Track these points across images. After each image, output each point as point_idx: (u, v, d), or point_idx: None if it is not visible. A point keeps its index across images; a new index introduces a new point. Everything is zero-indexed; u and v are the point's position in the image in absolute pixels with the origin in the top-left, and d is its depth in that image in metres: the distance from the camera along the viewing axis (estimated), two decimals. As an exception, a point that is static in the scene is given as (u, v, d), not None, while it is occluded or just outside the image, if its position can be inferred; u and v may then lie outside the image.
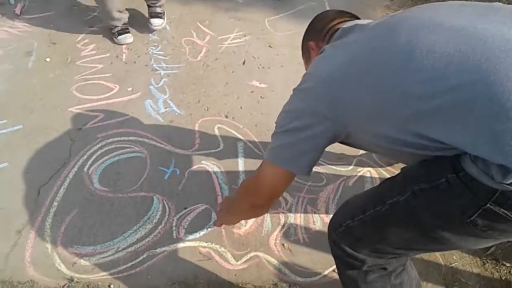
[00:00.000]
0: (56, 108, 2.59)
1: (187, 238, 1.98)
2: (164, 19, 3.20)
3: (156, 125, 2.53)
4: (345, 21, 1.39)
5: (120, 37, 3.06)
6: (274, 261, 1.92)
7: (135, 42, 3.09)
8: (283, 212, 2.09)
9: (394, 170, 2.28)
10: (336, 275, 1.82)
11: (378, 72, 1.07)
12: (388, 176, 2.24)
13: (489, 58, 0.92)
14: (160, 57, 3.00)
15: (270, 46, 3.16)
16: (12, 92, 2.70)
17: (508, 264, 1.91)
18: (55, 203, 2.10)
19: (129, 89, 2.74)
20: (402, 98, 1.02)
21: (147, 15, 3.21)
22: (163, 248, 1.94)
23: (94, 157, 2.32)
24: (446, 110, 0.96)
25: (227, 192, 2.16)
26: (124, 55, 3.02)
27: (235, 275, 1.87)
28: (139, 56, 3.01)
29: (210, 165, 2.30)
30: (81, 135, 2.44)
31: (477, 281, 1.86)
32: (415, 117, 1.02)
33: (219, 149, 2.39)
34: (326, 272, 1.87)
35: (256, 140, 2.43)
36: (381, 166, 2.31)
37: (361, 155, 2.35)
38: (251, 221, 2.05)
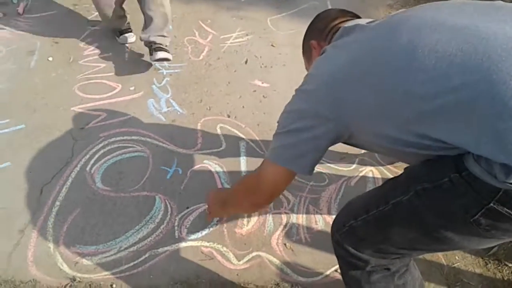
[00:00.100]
0: (59, 108, 2.59)
1: (189, 238, 1.98)
2: (169, 51, 2.79)
3: (159, 124, 2.53)
4: (346, 20, 1.39)
5: (122, 36, 3.05)
6: (276, 261, 1.91)
7: (138, 41, 3.08)
8: (285, 212, 2.09)
9: (396, 169, 2.28)
10: (338, 275, 1.82)
11: (380, 72, 1.06)
12: (390, 175, 2.24)
13: (491, 56, 0.91)
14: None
15: (272, 45, 3.16)
16: (14, 91, 2.70)
17: (510, 265, 1.90)
18: (58, 203, 2.10)
19: (132, 88, 2.75)
20: (404, 98, 1.02)
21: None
22: (165, 248, 1.94)
23: (96, 156, 2.32)
24: (448, 110, 0.96)
25: (229, 192, 2.16)
26: (126, 54, 3.03)
27: (237, 274, 1.87)
28: (141, 56, 3.01)
29: (212, 164, 2.30)
30: (84, 134, 2.44)
31: (479, 281, 1.86)
32: (418, 117, 1.01)
33: (221, 148, 2.39)
34: (328, 272, 1.87)
35: (258, 139, 2.43)
36: (383, 166, 2.31)
37: (363, 154, 2.35)
38: (253, 221, 2.05)
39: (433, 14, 1.07)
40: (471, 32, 0.97)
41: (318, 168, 2.28)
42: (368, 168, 2.30)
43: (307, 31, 1.56)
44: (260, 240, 1.99)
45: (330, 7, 3.53)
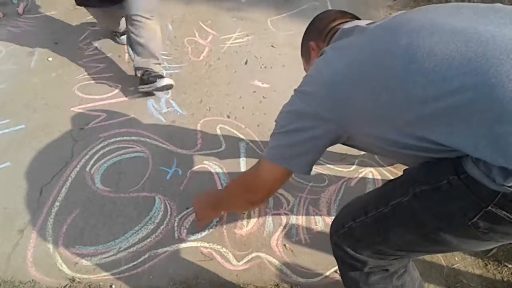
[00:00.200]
0: (59, 108, 2.59)
1: (189, 239, 1.98)
2: (169, 79, 2.68)
3: (158, 125, 2.53)
4: (346, 21, 1.39)
5: (122, 37, 3.05)
6: (275, 261, 1.91)
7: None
8: (285, 213, 2.09)
9: (396, 170, 2.28)
10: (337, 276, 1.81)
11: (379, 75, 1.06)
12: (390, 176, 2.24)
13: (489, 60, 0.91)
14: (162, 56, 2.99)
15: (272, 46, 3.16)
16: (14, 92, 2.70)
17: (510, 266, 1.90)
18: (57, 203, 2.10)
19: (131, 88, 2.75)
20: (403, 101, 1.02)
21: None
22: (165, 249, 1.94)
23: (96, 157, 2.32)
24: (447, 113, 0.96)
25: (229, 192, 2.16)
26: (126, 54, 3.03)
27: (237, 275, 1.87)
28: (141, 56, 3.01)
29: (212, 165, 2.30)
30: (83, 134, 2.44)
31: (479, 282, 1.86)
32: (416, 120, 1.01)
33: (221, 149, 2.39)
34: (327, 273, 1.87)
35: (258, 140, 2.43)
36: (383, 167, 2.31)
37: (363, 155, 2.35)
38: (252, 222, 2.05)
39: (431, 16, 1.07)
40: (470, 35, 0.97)
41: (318, 169, 2.28)
42: (368, 169, 2.30)
43: (306, 32, 1.56)
44: (260, 241, 1.98)
45: (330, 7, 3.53)
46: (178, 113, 2.61)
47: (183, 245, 1.96)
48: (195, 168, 2.28)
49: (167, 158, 2.33)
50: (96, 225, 2.02)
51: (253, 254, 1.93)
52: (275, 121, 1.29)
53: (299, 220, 2.06)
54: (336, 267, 1.83)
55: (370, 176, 2.27)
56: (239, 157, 2.35)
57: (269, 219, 2.06)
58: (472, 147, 0.94)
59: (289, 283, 1.84)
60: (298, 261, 1.91)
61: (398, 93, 1.02)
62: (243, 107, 2.65)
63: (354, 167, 2.31)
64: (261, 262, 1.91)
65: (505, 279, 1.86)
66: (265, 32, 3.30)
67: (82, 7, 2.81)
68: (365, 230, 1.26)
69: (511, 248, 1.96)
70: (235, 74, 2.91)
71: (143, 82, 2.64)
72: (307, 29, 1.56)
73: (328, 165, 2.31)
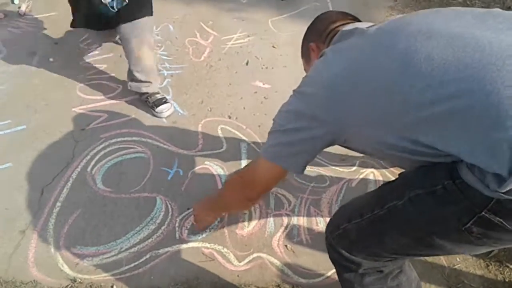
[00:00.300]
0: (60, 108, 2.59)
1: (190, 239, 1.98)
2: (169, 102, 2.64)
3: (159, 125, 2.53)
4: (346, 23, 1.39)
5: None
6: (277, 262, 1.91)
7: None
8: (286, 213, 2.09)
9: (397, 171, 2.27)
10: (339, 277, 1.81)
11: (376, 79, 1.07)
12: (391, 177, 2.24)
13: (486, 66, 0.92)
14: (163, 57, 3.00)
15: (273, 47, 3.16)
16: (15, 92, 2.70)
17: (511, 266, 1.90)
18: (59, 203, 2.10)
19: (130, 87, 2.74)
20: (400, 104, 1.03)
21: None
22: (166, 249, 1.94)
23: (97, 157, 2.32)
24: (443, 118, 0.97)
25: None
26: (127, 55, 3.03)
27: (238, 276, 1.87)
28: (142, 57, 3.01)
29: (213, 165, 2.30)
30: (85, 135, 2.44)
31: (481, 283, 1.86)
32: (413, 124, 1.02)
33: (222, 149, 2.39)
34: (329, 274, 1.87)
35: (259, 140, 2.43)
36: (384, 168, 2.31)
37: (364, 156, 2.35)
38: (254, 222, 2.05)
39: (430, 20, 1.08)
40: (467, 40, 0.97)
41: (319, 170, 2.28)
42: (369, 170, 2.30)
43: (306, 32, 1.56)
44: (261, 242, 1.98)
45: (331, 8, 3.53)
46: (179, 114, 2.61)
47: (184, 245, 1.96)
48: (196, 168, 2.28)
49: (168, 159, 2.33)
50: (97, 226, 2.02)
51: (255, 255, 1.93)
52: (273, 119, 1.30)
53: (301, 220, 2.06)
54: (338, 267, 1.83)
55: (371, 176, 2.27)
56: (240, 157, 2.35)
57: (271, 219, 2.06)
58: (467, 152, 0.94)
59: (291, 283, 1.84)
60: (299, 262, 1.91)
61: (395, 96, 1.03)
62: (244, 108, 2.65)
63: (355, 168, 2.31)
64: (263, 263, 1.91)
65: (506, 280, 1.86)
66: (266, 33, 3.30)
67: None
68: (360, 232, 1.27)
69: (513, 249, 1.96)
70: (236, 75, 2.91)
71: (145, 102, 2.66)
72: (307, 30, 1.56)
73: (329, 166, 2.31)
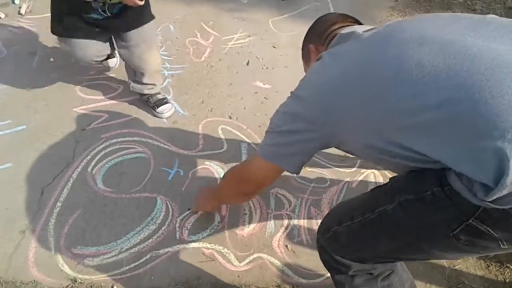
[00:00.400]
0: (60, 108, 2.59)
1: (190, 239, 1.98)
2: (170, 102, 2.65)
3: (160, 125, 2.53)
4: (346, 25, 1.40)
5: (105, 61, 2.78)
6: (277, 262, 1.91)
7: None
8: (286, 214, 2.09)
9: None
10: (339, 277, 1.81)
11: (368, 84, 1.08)
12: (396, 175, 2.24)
13: (474, 74, 0.92)
14: (164, 57, 2.99)
15: (274, 47, 3.16)
16: (15, 92, 2.70)
17: (512, 267, 1.90)
18: (59, 204, 2.10)
19: (132, 88, 2.74)
20: (390, 110, 1.04)
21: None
22: (166, 249, 1.94)
23: (98, 157, 2.32)
24: (431, 125, 0.97)
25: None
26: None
27: (238, 276, 1.86)
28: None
29: (213, 166, 2.30)
30: (85, 135, 2.44)
31: (481, 283, 1.86)
32: (402, 130, 1.03)
33: (222, 150, 2.39)
34: (329, 274, 1.86)
35: (260, 141, 2.43)
36: (385, 168, 2.31)
37: (364, 156, 2.35)
38: (254, 223, 2.04)
39: (423, 27, 1.09)
40: (458, 48, 0.97)
41: (319, 170, 2.28)
42: (370, 170, 2.30)
43: (306, 34, 1.57)
44: (261, 242, 1.98)
45: (331, 8, 3.53)
46: (180, 114, 2.61)
47: (184, 245, 1.95)
48: (197, 169, 2.28)
49: (169, 159, 2.33)
50: (97, 226, 2.02)
51: (255, 255, 1.93)
52: (271, 119, 1.32)
53: (301, 221, 2.06)
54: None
55: (371, 177, 2.27)
56: (241, 158, 2.34)
57: (271, 220, 2.06)
58: (453, 161, 0.95)
59: (291, 284, 1.84)
60: (299, 262, 1.91)
61: (385, 102, 1.04)
62: (244, 108, 2.65)
63: (355, 168, 2.31)
64: (263, 263, 1.91)
65: (507, 280, 1.86)
66: (266, 33, 3.30)
67: None
68: (351, 235, 1.28)
69: (513, 249, 1.95)
70: (236, 75, 2.91)
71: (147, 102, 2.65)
72: (307, 31, 1.57)
73: (330, 166, 2.31)
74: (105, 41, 2.40)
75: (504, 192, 0.87)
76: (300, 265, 1.90)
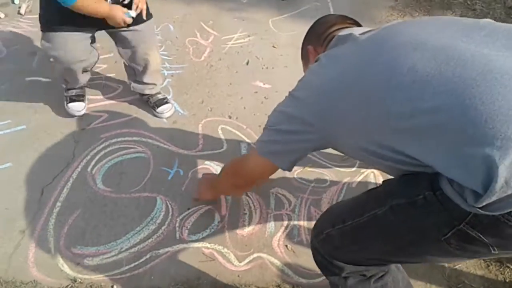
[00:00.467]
0: (60, 108, 2.59)
1: (190, 239, 1.98)
2: (170, 102, 2.64)
3: (160, 125, 2.53)
4: (344, 27, 1.41)
5: (71, 104, 2.53)
6: (277, 262, 1.91)
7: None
8: (286, 213, 2.09)
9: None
10: (339, 277, 1.81)
11: (362, 88, 1.09)
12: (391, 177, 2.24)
13: (466, 80, 0.92)
14: (163, 57, 2.99)
15: (274, 47, 3.16)
16: (15, 92, 2.70)
17: (512, 267, 1.90)
18: (59, 203, 2.10)
19: (133, 88, 2.74)
20: (383, 114, 1.05)
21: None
22: (166, 249, 1.94)
23: (97, 157, 2.32)
24: (422, 130, 0.98)
25: (231, 193, 2.16)
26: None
27: (238, 276, 1.86)
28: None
29: (213, 165, 2.30)
30: (85, 135, 2.44)
31: (481, 283, 1.85)
32: (394, 134, 1.04)
33: (222, 149, 2.39)
34: (329, 274, 1.87)
35: (260, 140, 2.43)
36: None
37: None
38: (254, 222, 2.04)
39: (417, 31, 1.09)
40: (451, 53, 0.98)
41: (319, 170, 2.28)
42: (370, 170, 2.30)
43: (305, 36, 1.58)
44: (261, 242, 1.98)
45: (331, 8, 3.52)
46: (180, 114, 2.61)
47: (184, 245, 1.95)
48: (197, 168, 2.28)
49: (169, 159, 2.33)
50: (97, 226, 2.02)
51: (255, 255, 1.93)
52: (268, 116, 1.36)
53: (301, 220, 2.06)
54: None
55: (371, 177, 2.26)
56: (241, 157, 2.34)
57: (271, 219, 2.06)
58: (443, 166, 0.96)
59: (291, 283, 1.84)
60: (299, 262, 1.90)
61: (378, 106, 1.05)
62: (244, 108, 2.65)
63: (355, 168, 2.31)
64: (263, 263, 1.91)
65: (507, 280, 1.86)
66: (266, 33, 3.30)
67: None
68: (343, 238, 1.29)
69: (513, 249, 1.95)
70: (236, 75, 2.91)
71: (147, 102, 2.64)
72: (307, 32, 1.58)
73: (330, 166, 2.31)
74: (90, 41, 2.32)
75: (493, 198, 0.87)
76: (300, 265, 1.90)
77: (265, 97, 2.72)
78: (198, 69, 2.93)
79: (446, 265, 1.89)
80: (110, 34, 2.37)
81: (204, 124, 2.54)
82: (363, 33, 1.23)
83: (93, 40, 2.34)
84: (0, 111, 2.57)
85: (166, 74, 2.87)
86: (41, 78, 2.81)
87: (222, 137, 2.46)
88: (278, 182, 2.20)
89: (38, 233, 1.99)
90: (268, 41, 3.21)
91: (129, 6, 2.16)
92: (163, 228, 2.01)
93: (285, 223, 2.05)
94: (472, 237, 0.96)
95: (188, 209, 2.08)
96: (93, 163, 2.29)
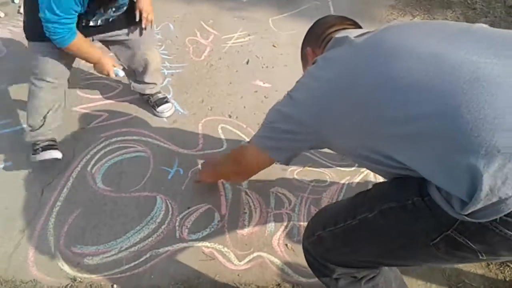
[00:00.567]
0: (60, 108, 2.58)
1: (190, 238, 1.98)
2: (170, 102, 2.64)
3: (160, 124, 2.53)
4: (343, 28, 1.42)
5: (44, 152, 2.21)
6: (277, 261, 1.91)
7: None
8: (286, 213, 2.08)
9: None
10: (339, 276, 1.81)
11: (356, 93, 1.10)
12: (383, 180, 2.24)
13: (454, 88, 0.93)
14: (163, 56, 2.99)
15: (274, 46, 3.15)
16: (15, 92, 2.70)
17: (512, 266, 1.90)
18: (59, 203, 2.10)
19: (133, 88, 2.74)
20: (375, 120, 1.06)
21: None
22: (166, 248, 1.94)
23: (97, 156, 2.32)
24: (410, 138, 0.99)
25: (231, 192, 2.16)
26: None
27: (238, 275, 1.86)
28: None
29: (213, 165, 2.29)
30: (85, 134, 2.44)
31: (481, 282, 1.85)
32: (384, 140, 1.06)
33: (222, 149, 2.39)
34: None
35: (260, 140, 2.42)
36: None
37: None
38: (254, 222, 2.04)
39: (411, 36, 1.11)
40: (441, 60, 0.98)
41: (319, 169, 2.28)
42: (370, 169, 2.29)
43: (304, 37, 1.59)
44: (261, 241, 1.98)
45: (331, 7, 3.52)
46: (180, 113, 2.61)
47: (184, 244, 1.95)
48: (197, 168, 2.27)
49: (169, 158, 2.33)
50: (97, 225, 2.02)
51: (255, 254, 1.93)
52: (267, 113, 1.39)
53: (301, 219, 2.06)
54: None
55: (371, 176, 2.26)
56: (241, 156, 2.34)
57: (271, 218, 2.06)
58: (430, 173, 0.97)
59: (291, 282, 1.84)
60: (299, 261, 1.90)
61: (369, 112, 1.06)
62: (244, 107, 2.65)
63: (355, 167, 2.30)
64: (263, 262, 1.91)
65: (507, 279, 1.85)
66: (266, 32, 3.30)
67: None
68: (334, 240, 1.30)
69: (514, 248, 1.95)
70: (236, 74, 2.90)
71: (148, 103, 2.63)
72: (306, 34, 1.59)
73: (330, 165, 2.30)
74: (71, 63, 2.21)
75: (479, 206, 0.87)
76: (300, 264, 1.89)
77: (265, 96, 2.72)
78: (198, 68, 2.93)
79: (446, 264, 1.90)
80: (104, 42, 2.31)
81: (204, 123, 2.54)
82: (359, 36, 1.24)
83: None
84: (0, 110, 2.57)
85: (166, 74, 2.87)
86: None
87: (222, 136, 2.46)
88: (278, 181, 2.20)
89: (38, 232, 1.99)
90: (268, 40, 3.21)
91: (131, 11, 2.15)
92: (163, 227, 2.01)
93: (285, 222, 2.05)
94: (460, 243, 0.97)
95: (188, 208, 2.08)
96: (93, 162, 2.29)
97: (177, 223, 2.03)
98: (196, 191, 2.16)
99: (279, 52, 3.10)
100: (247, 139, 2.43)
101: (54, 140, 2.27)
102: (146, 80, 2.48)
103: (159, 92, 2.61)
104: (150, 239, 1.96)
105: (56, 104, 2.20)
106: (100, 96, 2.69)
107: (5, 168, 2.26)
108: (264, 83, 2.82)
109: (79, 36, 1.97)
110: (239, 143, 2.41)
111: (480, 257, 0.99)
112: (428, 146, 0.96)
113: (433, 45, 1.03)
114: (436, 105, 0.94)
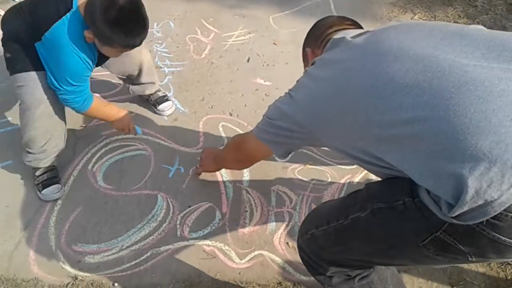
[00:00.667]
0: (60, 106, 2.58)
1: (191, 237, 1.98)
2: (171, 100, 2.62)
3: (160, 122, 2.52)
4: (342, 29, 1.43)
5: (45, 191, 2.12)
6: (278, 259, 1.91)
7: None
8: (287, 211, 2.08)
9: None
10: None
11: (347, 96, 1.13)
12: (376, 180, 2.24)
13: (441, 92, 0.94)
14: (164, 54, 2.99)
15: (274, 44, 3.15)
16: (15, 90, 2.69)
17: (514, 264, 1.90)
18: (59, 201, 2.10)
19: (132, 92, 2.73)
20: (364, 123, 1.08)
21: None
22: (167, 246, 1.94)
23: (98, 154, 2.32)
24: (399, 141, 1.01)
25: (232, 191, 2.16)
26: (128, 52, 3.01)
27: (239, 273, 1.86)
28: (143, 54, 3.00)
29: (214, 163, 2.29)
30: (86, 133, 2.44)
31: (483, 280, 1.85)
32: (374, 142, 1.08)
33: (223, 147, 2.38)
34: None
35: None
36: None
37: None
38: (255, 220, 2.04)
39: (401, 39, 1.11)
40: (429, 63, 0.99)
41: (320, 167, 2.28)
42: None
43: (305, 37, 1.61)
44: (262, 239, 1.98)
45: (332, 5, 3.51)
46: (180, 111, 2.60)
47: (185, 243, 1.95)
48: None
49: (169, 156, 2.33)
50: (98, 223, 2.02)
51: (256, 252, 1.93)
52: (268, 107, 1.43)
53: (302, 218, 2.05)
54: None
55: (372, 174, 2.26)
56: (242, 155, 2.34)
57: (272, 217, 2.06)
58: (417, 176, 0.98)
59: (292, 281, 1.84)
60: (300, 259, 1.90)
61: (360, 115, 1.08)
62: (245, 105, 2.64)
63: (356, 165, 2.30)
64: (264, 260, 1.91)
65: (508, 277, 1.85)
66: (267, 30, 3.29)
67: None
68: (327, 239, 1.31)
69: (515, 246, 1.95)
70: (237, 72, 2.90)
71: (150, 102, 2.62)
72: (306, 35, 1.62)
73: (331, 163, 2.30)
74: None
75: (465, 208, 0.88)
76: (301, 262, 1.87)
77: (266, 94, 2.72)
78: (198, 67, 2.93)
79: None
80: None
81: (205, 121, 2.54)
82: (356, 36, 1.25)
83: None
84: (1, 109, 2.57)
85: (166, 72, 2.87)
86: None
87: (223, 134, 2.46)
88: (279, 179, 2.20)
89: (39, 230, 1.99)
90: (268, 38, 3.20)
91: None
92: (164, 225, 2.01)
93: (286, 220, 2.05)
94: (449, 244, 0.97)
95: (189, 206, 2.08)
96: (93, 160, 2.29)
97: (178, 222, 2.03)
98: (197, 190, 2.16)
99: (280, 50, 3.09)
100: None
101: (54, 168, 2.18)
102: (143, 80, 2.46)
103: (159, 91, 2.60)
104: (151, 238, 1.97)
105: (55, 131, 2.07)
106: (101, 95, 2.68)
107: (6, 166, 2.26)
108: (265, 81, 2.82)
109: (95, 99, 2.05)
110: (240, 141, 2.41)
111: (470, 259, 1.00)
112: (415, 149, 0.97)
113: (423, 49, 1.04)
114: (423, 109, 0.95)
